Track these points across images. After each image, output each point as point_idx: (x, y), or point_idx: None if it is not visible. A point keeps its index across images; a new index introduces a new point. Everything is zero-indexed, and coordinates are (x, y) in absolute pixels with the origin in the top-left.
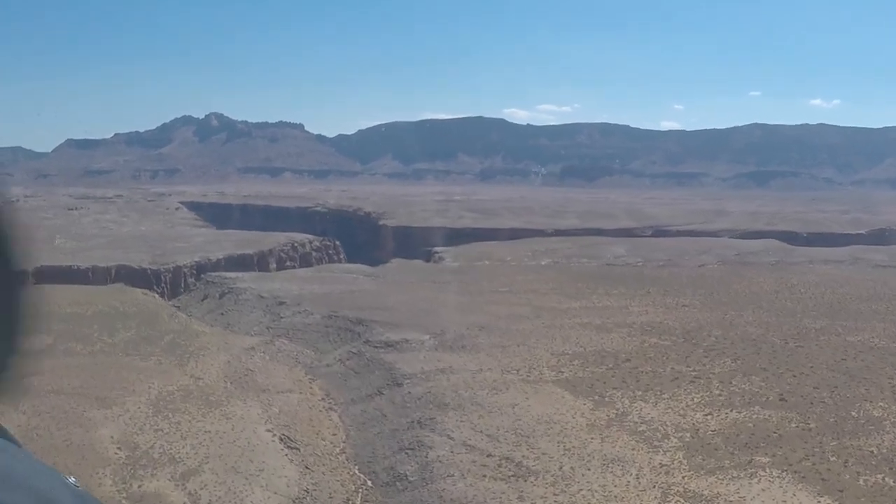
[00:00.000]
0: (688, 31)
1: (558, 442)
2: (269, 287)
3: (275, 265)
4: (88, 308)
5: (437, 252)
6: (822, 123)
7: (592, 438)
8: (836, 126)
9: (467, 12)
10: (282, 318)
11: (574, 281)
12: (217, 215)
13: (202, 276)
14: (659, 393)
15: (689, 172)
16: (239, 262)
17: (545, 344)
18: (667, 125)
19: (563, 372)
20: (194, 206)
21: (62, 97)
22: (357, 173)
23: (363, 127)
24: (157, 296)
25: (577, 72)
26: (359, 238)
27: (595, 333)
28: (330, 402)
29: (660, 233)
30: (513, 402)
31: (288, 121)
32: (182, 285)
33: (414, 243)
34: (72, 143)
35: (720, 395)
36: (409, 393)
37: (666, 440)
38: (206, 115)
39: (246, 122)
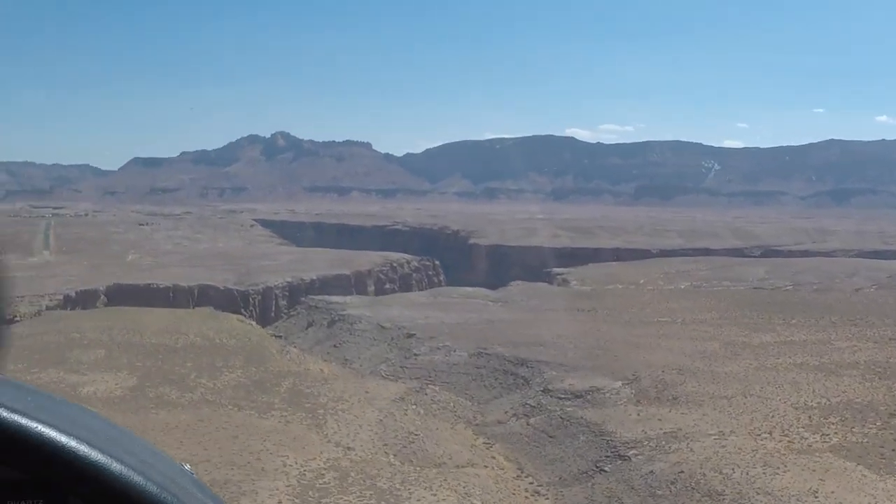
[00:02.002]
0: (749, 49)
1: None
2: (386, 315)
3: (373, 287)
4: (178, 338)
5: (558, 274)
6: None
7: None
8: None
9: (529, 35)
10: (416, 355)
11: (737, 308)
12: (290, 233)
13: (301, 299)
14: None
15: (766, 191)
16: (334, 284)
17: (775, 393)
18: (730, 143)
19: (828, 435)
20: (266, 224)
21: (129, 116)
22: (426, 192)
23: (429, 146)
24: (253, 323)
25: (638, 91)
26: (447, 257)
27: (823, 377)
28: (531, 482)
29: (770, 252)
30: (808, 488)
31: (355, 140)
32: (273, 309)
33: (509, 263)
34: (138, 161)
35: None
36: (651, 472)
37: None
38: (272, 135)
39: (312, 141)
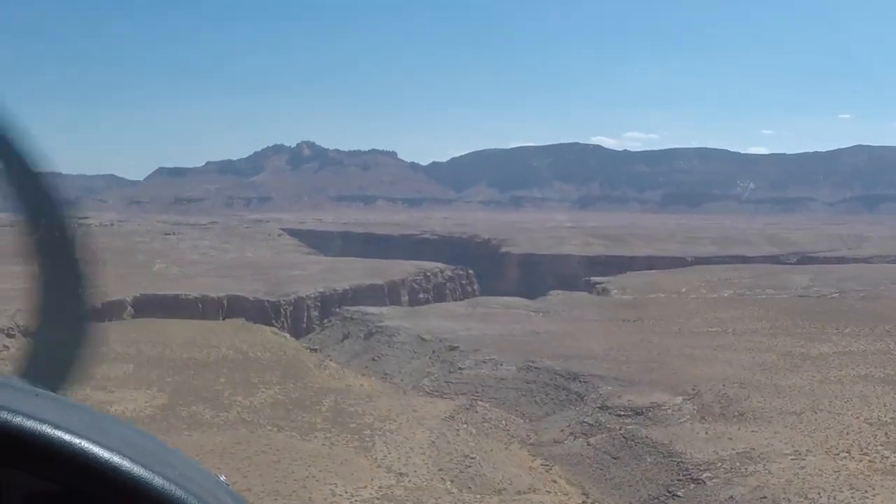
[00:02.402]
0: (772, 56)
1: None
2: (426, 326)
3: (407, 297)
4: (209, 352)
5: (597, 283)
6: None
7: None
8: None
9: (553, 43)
10: (461, 369)
11: (787, 317)
12: (317, 242)
13: (336, 310)
14: None
15: (794, 197)
16: (367, 294)
17: (845, 408)
18: (755, 150)
19: None
20: (293, 233)
21: (154, 126)
22: (452, 201)
23: (455, 155)
24: (287, 335)
25: (662, 99)
26: (477, 266)
27: (892, 390)
28: None
29: (806, 259)
30: None
31: (380, 149)
32: (305, 320)
33: (542, 272)
34: (163, 171)
35: None
36: (731, 497)
37: None
38: (297, 144)
39: (338, 150)
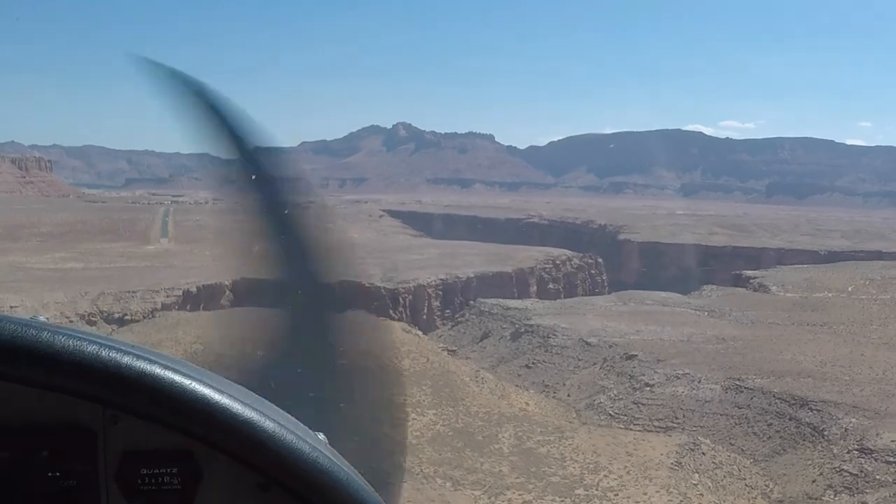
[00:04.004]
0: (870, 48)
1: None
2: (586, 326)
3: (535, 287)
4: None
5: (753, 278)
6: None
7: None
8: None
9: (648, 29)
10: (649, 385)
11: None
12: (418, 224)
13: (470, 301)
14: None
15: None
16: (492, 283)
17: None
18: (852, 142)
19: None
20: (394, 215)
21: (249, 106)
22: (550, 185)
23: (552, 139)
24: (421, 333)
25: (759, 88)
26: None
27: None
28: None
29: None
30: None
31: (477, 131)
32: (425, 311)
33: (665, 262)
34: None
35: None
36: None
37: None
38: (393, 125)
39: (434, 132)
